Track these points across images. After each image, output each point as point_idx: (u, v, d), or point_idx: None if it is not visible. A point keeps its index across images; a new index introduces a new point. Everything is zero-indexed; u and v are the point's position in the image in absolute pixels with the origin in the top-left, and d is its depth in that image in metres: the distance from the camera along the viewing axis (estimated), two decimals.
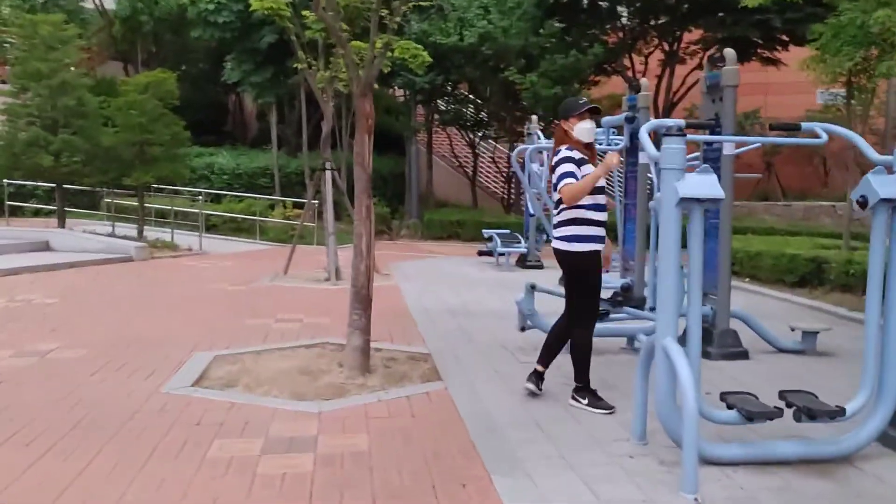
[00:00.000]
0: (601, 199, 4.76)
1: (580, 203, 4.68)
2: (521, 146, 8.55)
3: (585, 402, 4.82)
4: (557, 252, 4.84)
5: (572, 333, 4.93)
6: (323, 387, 5.32)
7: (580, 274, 4.78)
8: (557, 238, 4.81)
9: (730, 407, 3.86)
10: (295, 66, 10.69)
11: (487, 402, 4.93)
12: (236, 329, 7.36)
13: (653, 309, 6.56)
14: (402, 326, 7.46)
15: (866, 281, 8.71)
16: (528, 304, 6.31)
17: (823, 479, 3.71)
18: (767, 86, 22.31)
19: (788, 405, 3.91)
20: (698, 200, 3.68)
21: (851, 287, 8.96)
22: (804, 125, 4.26)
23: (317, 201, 12.61)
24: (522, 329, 6.44)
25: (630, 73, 18.81)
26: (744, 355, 6.23)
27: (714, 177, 3.72)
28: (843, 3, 10.17)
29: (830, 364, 6.22)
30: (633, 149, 8.11)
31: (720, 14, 16.73)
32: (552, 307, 6.92)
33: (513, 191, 20.38)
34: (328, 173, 11.22)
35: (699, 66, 18.53)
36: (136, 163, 14.35)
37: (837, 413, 3.75)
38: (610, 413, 4.71)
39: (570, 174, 4.63)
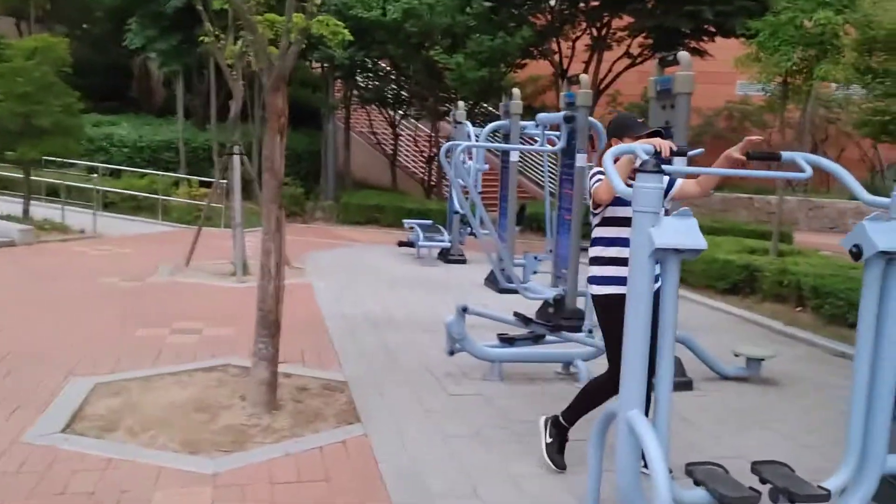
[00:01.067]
0: (627, 232, 3.88)
1: (601, 235, 3.97)
2: (451, 143, 7.88)
3: (549, 440, 4.19)
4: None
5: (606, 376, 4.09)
6: (221, 431, 4.56)
7: (603, 319, 4.02)
8: (588, 277, 4.13)
9: (697, 483, 3.32)
10: (200, 38, 9.67)
11: (414, 455, 4.28)
12: (125, 342, 6.47)
13: (591, 332, 6.04)
14: (316, 342, 6.72)
15: (800, 291, 8.47)
16: (458, 328, 5.68)
17: None
18: None
19: (763, 481, 3.41)
20: (676, 251, 3.10)
21: (784, 297, 8.70)
22: (785, 155, 3.72)
23: (225, 180, 11.61)
24: (451, 353, 5.81)
25: (557, 58, 18.30)
26: (688, 386, 5.78)
27: (694, 221, 3.13)
28: (781, 1, 9.86)
29: (779, 394, 5.85)
30: (569, 150, 7.55)
31: (651, 2, 16.37)
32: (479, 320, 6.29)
33: (434, 173, 19.69)
34: (236, 157, 10.28)
35: (627, 54, 18.19)
36: (22, 136, 12.96)
37: (822, 498, 3.25)
38: (559, 472, 4.14)
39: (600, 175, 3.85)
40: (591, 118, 7.54)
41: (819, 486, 3.33)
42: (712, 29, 16.58)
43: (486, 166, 9.94)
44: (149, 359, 6.00)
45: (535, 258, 9.72)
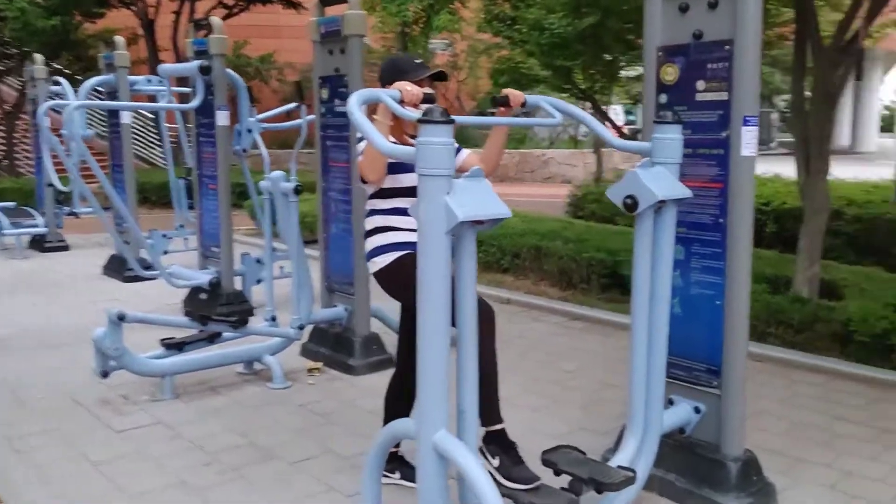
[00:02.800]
0: (409, 202, 2.95)
1: (378, 207, 3.20)
2: (54, 102, 6.18)
3: (496, 463, 2.94)
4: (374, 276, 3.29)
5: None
6: None
7: (395, 290, 3.24)
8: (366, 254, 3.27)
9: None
10: None
11: None
12: None
13: (274, 320, 5.14)
14: None
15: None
16: (112, 341, 4.37)
17: None
18: (279, 28, 21.63)
19: (558, 473, 2.97)
20: (477, 222, 2.44)
21: None
22: (530, 99, 3.26)
23: None
24: (105, 374, 4.49)
25: (142, 6, 16.29)
26: (390, 363, 5.25)
27: (488, 183, 2.49)
28: None
29: None
30: (206, 108, 6.41)
31: None
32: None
33: (0, 147, 16.38)
34: None
35: (221, 4, 16.95)
36: None
37: (630, 480, 2.91)
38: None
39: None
40: (229, 70, 6.48)
41: (621, 468, 3.01)
42: None
43: (92, 132, 8.17)
44: None
45: (165, 236, 8.37)
